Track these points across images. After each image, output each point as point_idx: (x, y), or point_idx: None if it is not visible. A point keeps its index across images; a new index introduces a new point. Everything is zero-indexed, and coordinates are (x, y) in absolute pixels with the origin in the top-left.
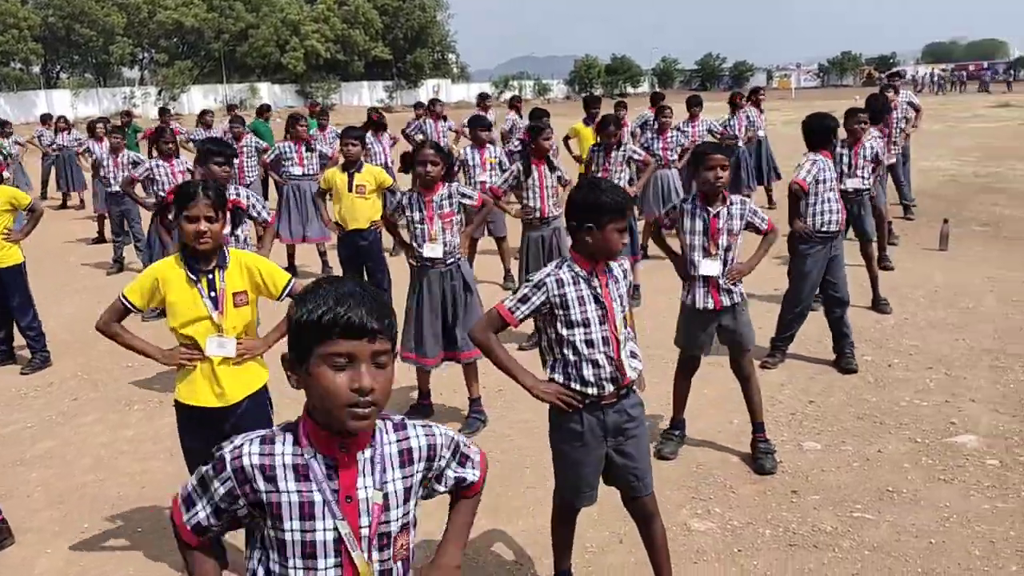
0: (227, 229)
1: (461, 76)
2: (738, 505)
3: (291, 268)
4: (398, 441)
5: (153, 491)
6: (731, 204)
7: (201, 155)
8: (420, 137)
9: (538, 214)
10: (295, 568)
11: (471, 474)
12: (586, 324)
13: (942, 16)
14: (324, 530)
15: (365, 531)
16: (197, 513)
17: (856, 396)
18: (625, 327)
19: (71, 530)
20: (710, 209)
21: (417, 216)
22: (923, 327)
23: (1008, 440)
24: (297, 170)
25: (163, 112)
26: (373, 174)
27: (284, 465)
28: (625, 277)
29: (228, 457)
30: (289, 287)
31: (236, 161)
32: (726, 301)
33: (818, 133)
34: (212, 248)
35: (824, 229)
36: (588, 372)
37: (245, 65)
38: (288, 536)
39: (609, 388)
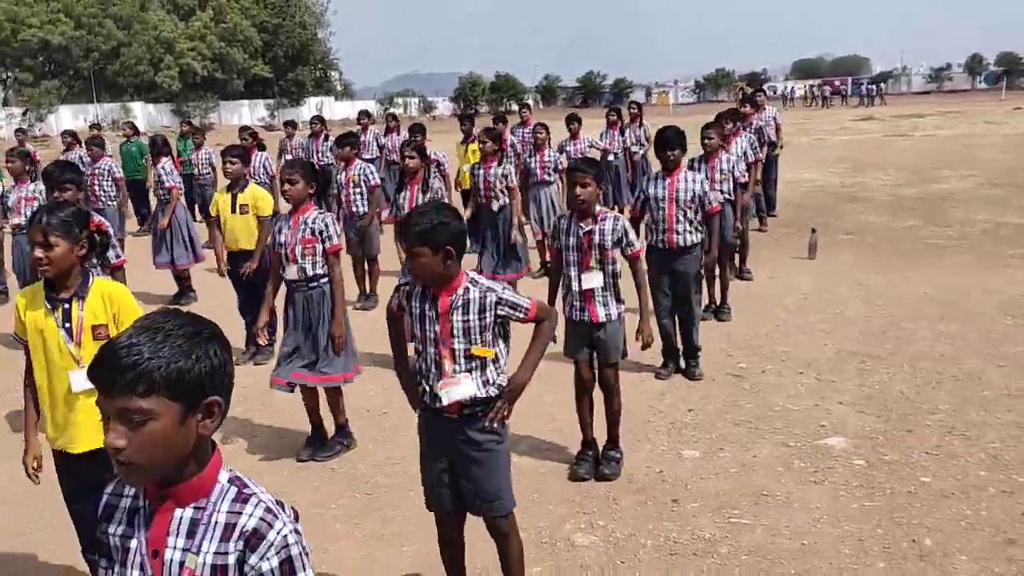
0: (81, 252)
1: (345, 94)
2: (620, 517)
3: (182, 292)
4: (228, 512)
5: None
6: (603, 220)
7: (47, 179)
8: (301, 154)
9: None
10: None
11: None
12: (418, 339)
13: (810, 34)
14: None
15: None
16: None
17: (732, 403)
18: (464, 359)
19: None
20: (582, 226)
21: (281, 237)
22: (794, 333)
23: (874, 440)
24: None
25: (19, 132)
26: (254, 194)
27: (123, 508)
28: (485, 307)
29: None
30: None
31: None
32: (602, 316)
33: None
34: (56, 275)
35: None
36: (423, 382)
37: (117, 84)
38: None
39: (434, 404)
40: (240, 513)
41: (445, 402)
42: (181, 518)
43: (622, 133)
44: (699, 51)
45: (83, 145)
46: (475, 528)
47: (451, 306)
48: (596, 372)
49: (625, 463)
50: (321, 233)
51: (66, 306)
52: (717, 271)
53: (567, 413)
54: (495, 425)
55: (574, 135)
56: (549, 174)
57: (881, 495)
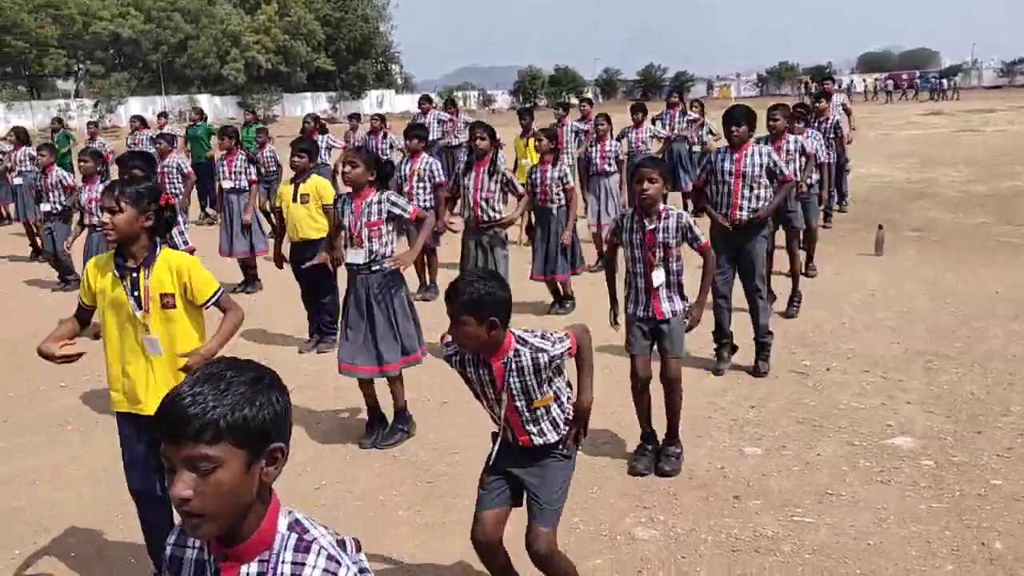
0: (148, 224)
1: (405, 87)
2: (681, 512)
3: (248, 281)
4: (292, 563)
5: (87, 513)
6: (667, 218)
7: (119, 164)
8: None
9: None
10: None
11: None
12: (482, 402)
13: (877, 27)
14: None
15: None
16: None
17: (796, 400)
18: (528, 412)
19: (2, 558)
20: (646, 224)
21: (345, 220)
22: (860, 330)
23: (942, 441)
24: (228, 183)
25: (91, 125)
26: (316, 185)
27: (190, 559)
28: (540, 367)
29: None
30: (216, 296)
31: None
32: (664, 312)
33: (752, 119)
34: (121, 241)
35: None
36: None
37: (184, 77)
38: None
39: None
40: (303, 564)
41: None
42: (247, 574)
43: (683, 114)
44: (761, 44)
45: (149, 127)
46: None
47: (505, 369)
48: (661, 366)
49: (686, 459)
50: (390, 212)
51: (134, 275)
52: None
53: (626, 407)
54: (567, 449)
55: (638, 124)
56: (610, 164)
57: (950, 497)
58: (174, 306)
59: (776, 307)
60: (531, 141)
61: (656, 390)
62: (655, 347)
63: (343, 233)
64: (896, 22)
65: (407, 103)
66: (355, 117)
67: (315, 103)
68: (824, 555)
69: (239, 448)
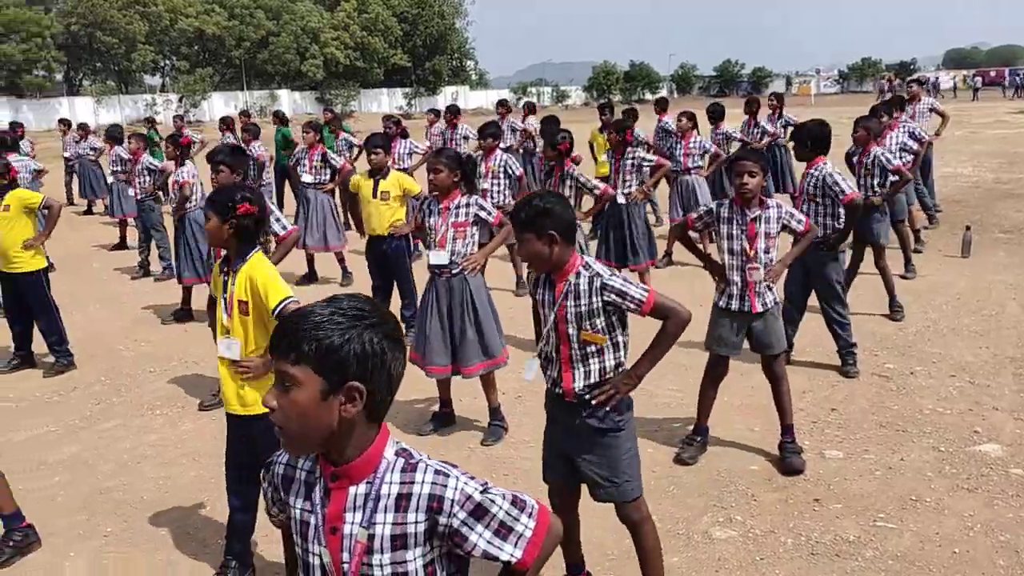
0: (231, 231)
1: (479, 83)
2: (760, 513)
3: (311, 275)
4: (400, 483)
5: (176, 496)
6: (768, 208)
7: (209, 160)
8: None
9: None
10: None
11: (508, 552)
12: (544, 325)
13: (962, 22)
14: (313, 554)
15: (346, 567)
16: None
17: (879, 404)
18: (578, 344)
19: (95, 534)
20: (747, 213)
21: (431, 221)
22: (946, 334)
23: None
24: (308, 178)
25: (177, 119)
26: (398, 180)
27: (300, 480)
28: (592, 294)
29: (273, 462)
30: (280, 306)
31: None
32: (759, 306)
33: (819, 140)
34: (214, 247)
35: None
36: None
37: (265, 72)
38: (298, 550)
39: (555, 389)
40: (412, 483)
41: (562, 385)
42: (356, 494)
43: (758, 123)
44: (843, 39)
45: (235, 131)
46: (606, 516)
47: (564, 292)
48: (765, 365)
49: (764, 460)
50: (477, 216)
51: (226, 279)
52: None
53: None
54: (608, 411)
55: (715, 125)
56: (694, 161)
57: None
58: (248, 314)
59: (870, 307)
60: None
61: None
62: (746, 345)
63: (428, 234)
64: (983, 18)
65: (481, 99)
66: (433, 112)
67: (391, 99)
68: (908, 562)
69: (317, 375)
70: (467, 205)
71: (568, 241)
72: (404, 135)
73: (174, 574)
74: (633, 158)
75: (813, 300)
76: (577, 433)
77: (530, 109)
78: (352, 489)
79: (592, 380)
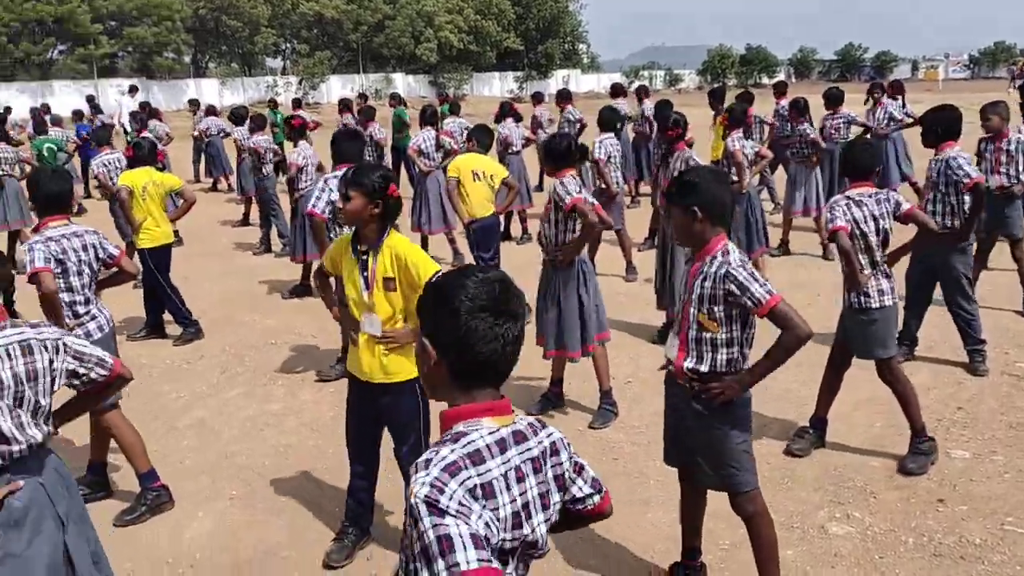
0: (376, 211)
1: (591, 66)
2: (879, 511)
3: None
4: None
5: (296, 463)
6: (877, 200)
7: (332, 145)
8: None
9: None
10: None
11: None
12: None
13: None
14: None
15: None
16: None
17: (1009, 403)
18: (696, 326)
19: (220, 497)
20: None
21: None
22: None
23: None
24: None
25: (296, 103)
26: (492, 165)
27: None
28: (717, 279)
29: None
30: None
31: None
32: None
33: (949, 125)
34: (353, 226)
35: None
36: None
37: (381, 55)
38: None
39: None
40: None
41: (672, 355)
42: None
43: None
44: (974, 22)
45: (353, 113)
46: (720, 504)
47: (699, 271)
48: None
49: (885, 457)
50: (557, 194)
51: (364, 257)
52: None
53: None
54: (710, 403)
55: (833, 110)
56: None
57: None
58: (395, 289)
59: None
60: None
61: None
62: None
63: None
64: None
65: (592, 83)
66: (538, 96)
67: (503, 83)
68: None
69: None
70: (552, 189)
71: (713, 220)
72: (517, 118)
73: (294, 539)
74: (752, 147)
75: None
76: (686, 418)
77: (644, 93)
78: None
79: (703, 368)
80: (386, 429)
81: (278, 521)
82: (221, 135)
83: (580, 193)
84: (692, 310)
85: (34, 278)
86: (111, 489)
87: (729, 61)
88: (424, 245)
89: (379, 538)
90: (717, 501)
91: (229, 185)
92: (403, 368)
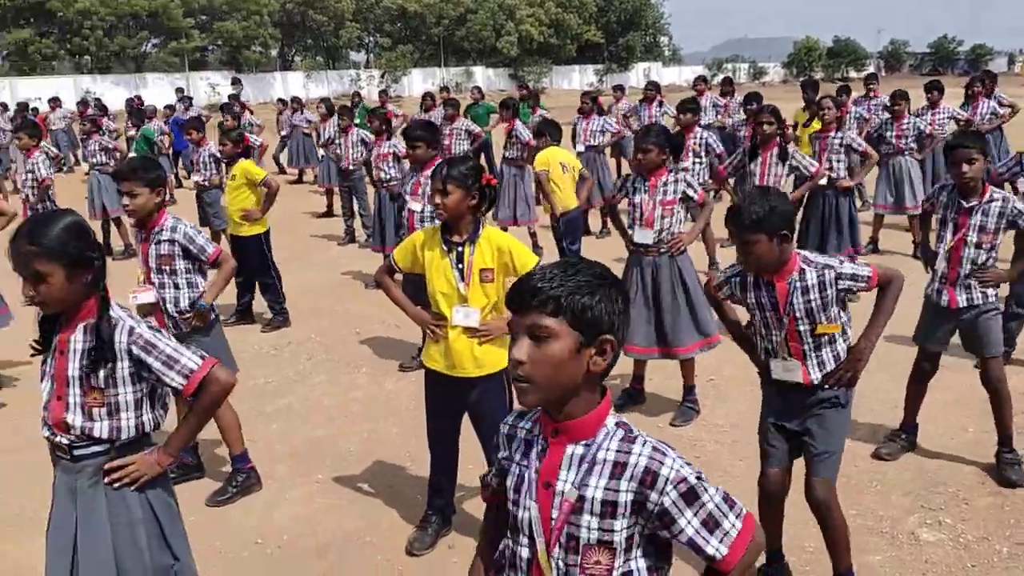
0: (472, 203)
1: (672, 59)
2: (971, 518)
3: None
4: (617, 451)
5: (380, 450)
6: (990, 201)
7: (404, 135)
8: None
9: None
10: (508, 535)
11: (712, 547)
12: (758, 324)
13: None
14: (524, 508)
15: (553, 523)
16: (490, 472)
17: None
18: (812, 339)
19: (307, 481)
20: (963, 203)
21: (637, 199)
22: None
23: None
24: (507, 153)
25: (382, 94)
26: (572, 158)
27: (520, 438)
28: (825, 284)
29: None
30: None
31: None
32: (963, 301)
33: None
34: (450, 219)
35: None
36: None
37: (462, 49)
38: (509, 504)
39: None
40: (629, 452)
41: (798, 379)
42: (572, 454)
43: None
44: None
45: (439, 106)
46: (804, 509)
47: (790, 289)
48: (981, 369)
49: (978, 463)
50: (685, 193)
51: (459, 249)
52: None
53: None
54: (840, 390)
55: (933, 104)
56: (906, 143)
57: None
58: (492, 280)
59: None
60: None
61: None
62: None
63: (631, 214)
64: None
65: (673, 75)
66: (619, 89)
67: (582, 76)
68: None
69: (574, 329)
70: (675, 182)
71: (792, 238)
72: (600, 112)
73: (376, 524)
74: (843, 138)
75: None
76: (804, 407)
77: (728, 86)
78: (570, 448)
79: (828, 368)
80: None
81: (361, 507)
82: (307, 126)
83: None
84: (802, 327)
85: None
86: (204, 470)
87: (816, 54)
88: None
89: (459, 527)
90: (801, 507)
91: (315, 176)
92: (494, 360)
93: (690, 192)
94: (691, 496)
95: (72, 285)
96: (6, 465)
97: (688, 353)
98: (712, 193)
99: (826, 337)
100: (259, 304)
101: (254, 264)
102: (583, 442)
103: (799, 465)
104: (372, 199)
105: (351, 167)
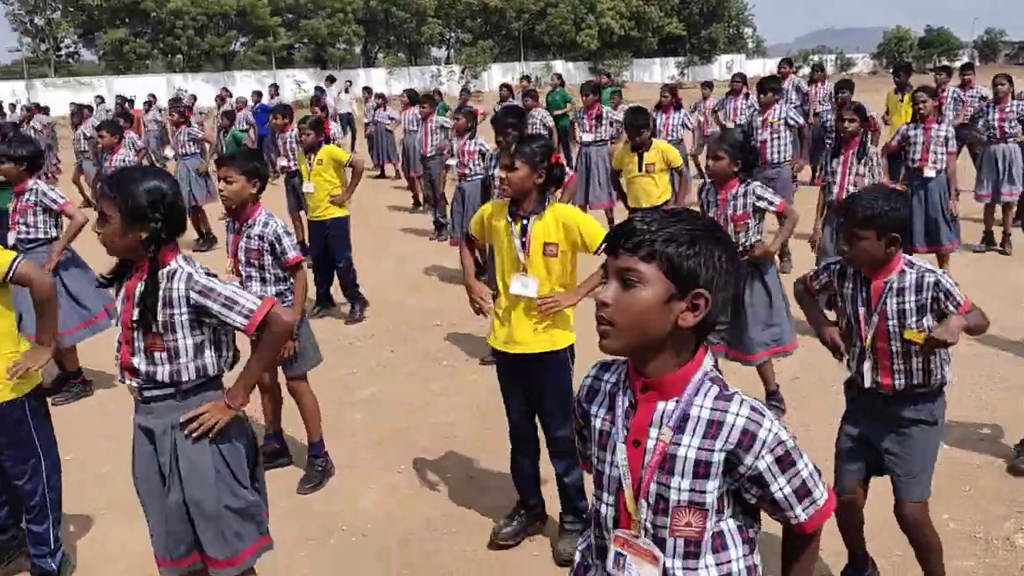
0: (539, 181)
1: (756, 51)
2: None
3: None
4: (712, 409)
5: (461, 442)
6: None
7: (493, 123)
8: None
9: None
10: (593, 493)
11: (796, 513)
12: (849, 317)
13: None
14: (611, 464)
15: (641, 484)
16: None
17: None
18: (900, 342)
19: (390, 470)
20: None
21: (711, 212)
22: None
23: None
24: (587, 136)
25: (463, 91)
26: (662, 152)
27: (604, 392)
28: (923, 289)
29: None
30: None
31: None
32: None
33: None
34: (513, 195)
35: None
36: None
37: (542, 43)
38: (593, 460)
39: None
40: (726, 411)
41: (869, 381)
42: (664, 410)
43: None
44: None
45: (516, 97)
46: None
47: (885, 287)
48: None
49: None
50: (755, 206)
51: (524, 222)
52: None
53: (1005, 402)
54: (926, 402)
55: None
56: (1011, 126)
57: None
58: (556, 255)
59: None
60: (906, 98)
61: None
62: None
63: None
64: None
65: (757, 68)
66: (707, 85)
67: (663, 69)
68: None
69: (667, 278)
70: (744, 195)
71: (902, 244)
72: (678, 106)
73: (458, 516)
74: (946, 132)
75: None
76: (887, 421)
77: (820, 72)
78: (660, 404)
79: (915, 380)
80: None
81: (443, 497)
82: (389, 122)
83: None
84: (892, 328)
85: (298, 265)
86: (291, 456)
87: (907, 44)
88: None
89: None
90: (884, 512)
91: (397, 172)
92: (554, 337)
93: (763, 205)
94: (787, 462)
95: (127, 236)
96: (116, 453)
97: (756, 360)
98: (793, 170)
99: (915, 347)
100: (337, 295)
101: (334, 248)
102: (674, 398)
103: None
104: (451, 193)
105: (431, 153)
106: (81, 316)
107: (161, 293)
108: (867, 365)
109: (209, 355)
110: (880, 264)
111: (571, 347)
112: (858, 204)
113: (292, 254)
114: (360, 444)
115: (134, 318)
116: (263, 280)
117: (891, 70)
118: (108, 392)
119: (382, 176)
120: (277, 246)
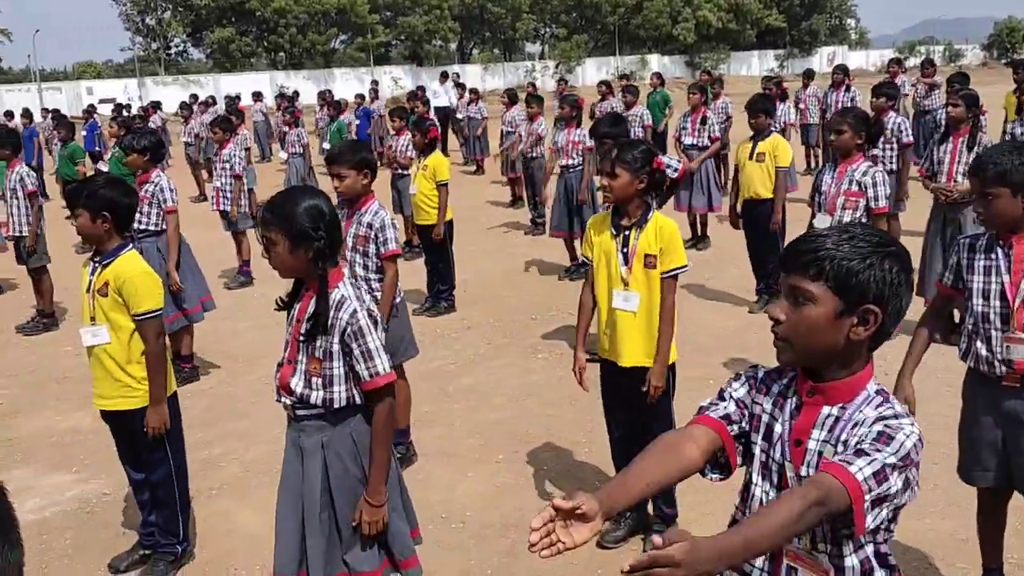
0: (640, 187)
1: (859, 43)
2: None
3: (700, 235)
4: (877, 420)
5: (557, 433)
6: None
7: (593, 135)
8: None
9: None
10: (752, 478)
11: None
12: (976, 291)
13: None
14: (773, 459)
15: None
16: (724, 407)
17: None
18: None
19: (488, 459)
20: None
21: (824, 180)
22: None
23: None
24: (689, 140)
25: (560, 83)
26: (774, 146)
27: (774, 391)
28: None
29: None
30: (675, 271)
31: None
32: None
33: None
34: (616, 201)
35: None
36: (981, 347)
37: (637, 37)
38: (756, 449)
39: (1001, 369)
40: (900, 429)
41: (1014, 357)
42: (827, 414)
43: None
44: None
45: (614, 95)
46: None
47: None
48: None
49: None
50: (867, 189)
51: (626, 233)
52: None
53: None
54: None
55: None
56: None
57: None
58: (655, 267)
59: None
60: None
61: None
62: None
63: (815, 198)
64: None
65: (860, 60)
66: (808, 75)
67: (762, 61)
68: None
69: (836, 295)
70: (864, 174)
71: None
72: (783, 97)
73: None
74: None
75: None
76: (1015, 421)
77: (930, 66)
78: (824, 409)
79: None
80: None
81: (541, 488)
82: (480, 119)
83: None
84: None
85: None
86: (415, 452)
87: (1020, 35)
88: (693, 227)
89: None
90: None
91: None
92: (648, 352)
93: (872, 195)
94: (908, 482)
95: (295, 257)
96: (224, 436)
97: None
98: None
99: None
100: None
101: (435, 250)
102: (839, 404)
103: None
104: (552, 187)
105: (531, 154)
106: (179, 306)
107: (329, 319)
108: (984, 341)
109: (357, 383)
110: (1016, 227)
111: (673, 365)
112: (987, 162)
113: (391, 246)
114: (458, 433)
115: (302, 333)
116: (365, 267)
117: (1008, 64)
118: (213, 378)
119: (479, 171)
120: (380, 234)
